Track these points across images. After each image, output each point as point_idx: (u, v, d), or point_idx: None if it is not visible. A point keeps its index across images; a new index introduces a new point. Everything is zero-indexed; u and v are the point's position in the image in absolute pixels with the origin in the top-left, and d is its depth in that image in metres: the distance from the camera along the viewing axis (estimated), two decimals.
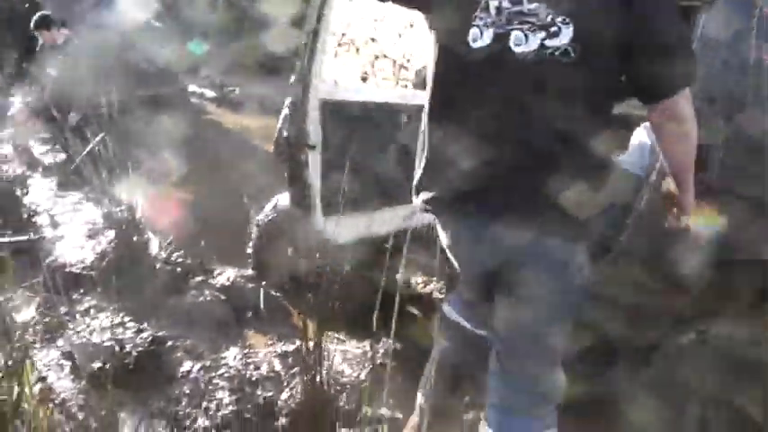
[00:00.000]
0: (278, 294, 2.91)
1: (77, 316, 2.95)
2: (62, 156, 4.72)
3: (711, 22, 2.43)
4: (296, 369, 2.57)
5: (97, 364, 2.65)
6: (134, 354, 2.77)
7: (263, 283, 3.28)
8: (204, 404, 2.55)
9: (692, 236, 2.27)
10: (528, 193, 1.77)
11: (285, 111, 3.69)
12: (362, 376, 2.71)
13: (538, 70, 1.77)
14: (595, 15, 1.74)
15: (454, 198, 1.90)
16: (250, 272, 3.51)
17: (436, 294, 3.39)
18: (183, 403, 2.59)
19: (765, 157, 2.39)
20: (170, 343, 2.84)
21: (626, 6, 1.71)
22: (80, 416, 2.45)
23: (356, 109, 2.83)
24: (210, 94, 7.30)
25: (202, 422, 2.48)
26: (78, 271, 3.22)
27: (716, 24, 2.42)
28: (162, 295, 3.18)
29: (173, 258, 3.43)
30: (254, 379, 2.64)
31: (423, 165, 2.02)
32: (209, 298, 3.21)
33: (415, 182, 2.05)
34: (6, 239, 3.49)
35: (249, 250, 3.58)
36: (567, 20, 1.74)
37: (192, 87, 7.15)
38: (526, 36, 1.78)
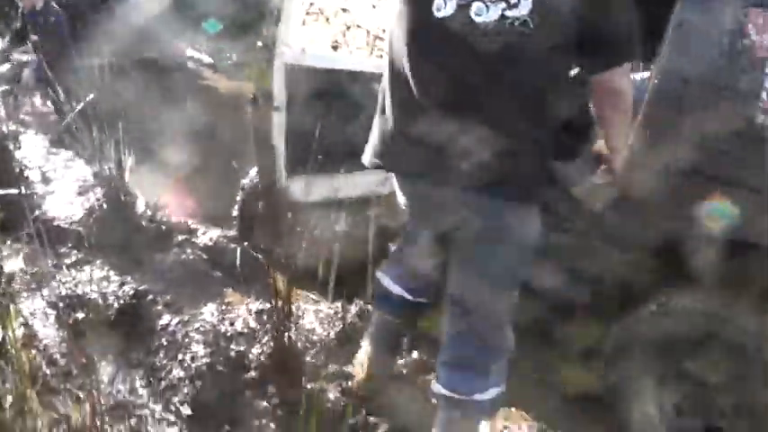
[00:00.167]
0: (258, 255, 3.00)
1: (64, 268, 3.05)
2: (55, 114, 4.81)
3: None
4: (269, 326, 2.68)
5: (80, 315, 2.75)
6: (116, 306, 2.87)
7: (245, 244, 3.38)
8: (180, 356, 2.65)
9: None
10: (485, 157, 1.86)
11: None
12: (332, 335, 2.83)
13: (498, 40, 1.86)
14: None
15: (411, 162, 2.00)
16: (233, 233, 3.62)
17: None
18: (161, 355, 2.69)
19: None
20: (151, 297, 2.94)
21: None
22: (62, 362, 2.55)
23: (323, 75, 2.92)
24: (207, 59, 7.33)
25: (177, 373, 2.59)
26: (66, 226, 3.31)
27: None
28: (146, 252, 3.27)
29: (158, 218, 3.52)
30: (228, 334, 2.73)
31: (381, 129, 2.12)
32: (191, 257, 3.31)
33: (370, 144, 2.16)
34: None
35: (234, 213, 3.69)
36: None
37: (189, 52, 7.19)
38: (487, 6, 1.87)
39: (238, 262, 3.16)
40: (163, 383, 2.57)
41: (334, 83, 2.95)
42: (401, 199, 2.24)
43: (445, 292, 2.18)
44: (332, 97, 2.91)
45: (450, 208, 1.98)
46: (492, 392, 2.14)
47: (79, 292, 2.87)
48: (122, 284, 2.99)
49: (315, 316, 2.96)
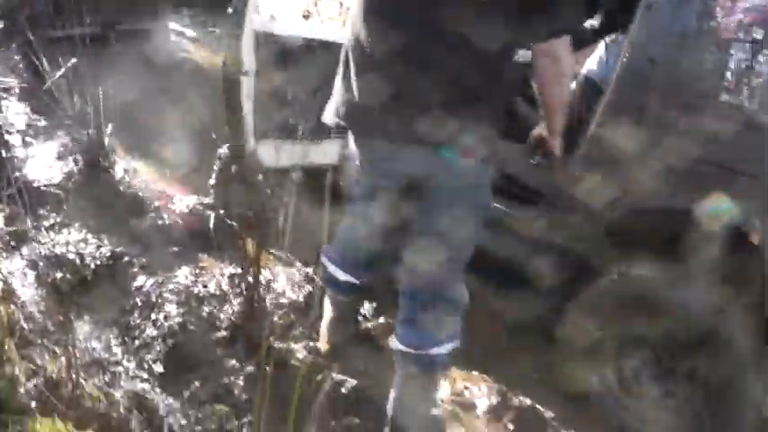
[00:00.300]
0: (232, 223, 3.07)
1: (42, 230, 3.11)
2: (37, 80, 4.80)
3: None
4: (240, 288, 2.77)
5: (58, 274, 2.83)
6: (92, 267, 2.94)
7: (221, 210, 3.44)
8: (153, 316, 2.75)
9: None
10: (442, 116, 1.95)
11: None
12: (301, 297, 2.92)
13: (454, 2, 1.94)
14: None
15: (369, 120, 2.09)
16: (210, 200, 3.68)
17: None
18: (135, 314, 2.78)
19: None
20: (127, 259, 3.02)
21: None
22: (39, 318, 2.62)
23: (292, 43, 2.98)
24: (191, 33, 7.30)
25: (150, 332, 2.68)
26: (46, 189, 3.36)
27: None
28: (123, 216, 3.34)
29: (136, 184, 3.59)
30: (201, 295, 2.83)
31: (342, 87, 2.20)
32: (168, 222, 3.38)
33: (332, 102, 2.23)
34: None
35: (211, 181, 3.75)
36: None
37: (172, 25, 7.16)
38: None
39: (212, 227, 3.23)
40: (136, 342, 2.66)
41: (302, 51, 3.01)
42: (357, 161, 2.31)
43: (397, 257, 2.27)
44: (300, 65, 2.97)
45: (407, 164, 2.06)
46: (448, 347, 2.24)
47: (57, 252, 2.93)
48: (99, 247, 3.05)
49: (286, 279, 3.04)
